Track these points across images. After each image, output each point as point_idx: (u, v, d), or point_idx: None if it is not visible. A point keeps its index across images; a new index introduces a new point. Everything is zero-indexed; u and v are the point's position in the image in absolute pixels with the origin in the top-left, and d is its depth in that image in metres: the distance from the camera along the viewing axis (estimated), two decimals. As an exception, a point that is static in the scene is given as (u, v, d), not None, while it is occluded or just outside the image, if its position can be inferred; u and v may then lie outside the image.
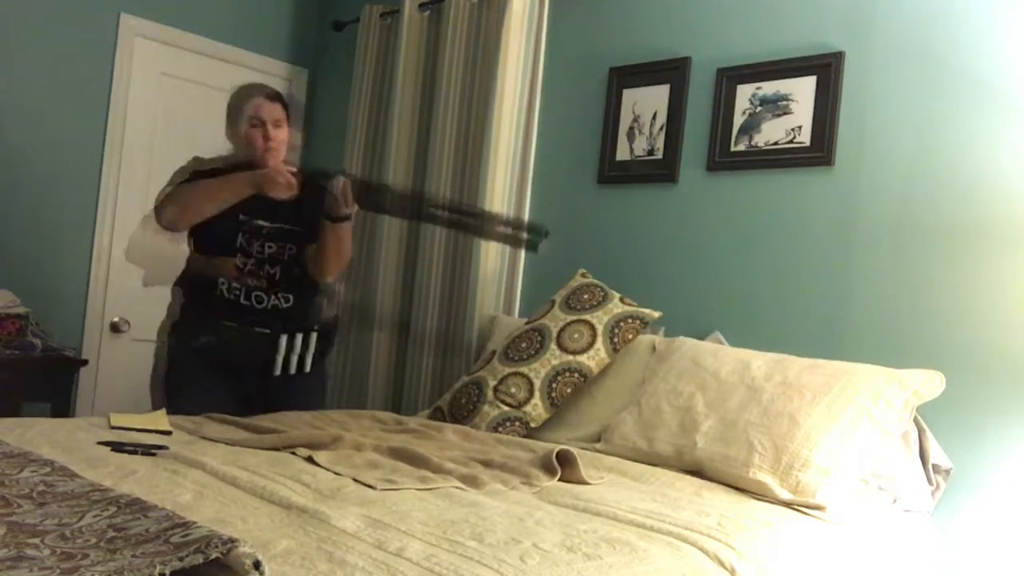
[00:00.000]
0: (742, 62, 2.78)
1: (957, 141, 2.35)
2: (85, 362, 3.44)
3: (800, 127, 2.65)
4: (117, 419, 2.19)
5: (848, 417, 2.04)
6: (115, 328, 3.70)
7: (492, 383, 2.59)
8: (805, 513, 1.90)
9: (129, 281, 3.71)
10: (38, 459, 1.62)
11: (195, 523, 1.22)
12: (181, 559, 1.09)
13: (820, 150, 2.59)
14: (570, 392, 2.56)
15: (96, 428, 2.13)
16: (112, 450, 1.86)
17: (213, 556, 1.10)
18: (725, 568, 1.48)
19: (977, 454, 2.23)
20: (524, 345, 2.65)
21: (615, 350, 2.59)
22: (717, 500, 1.89)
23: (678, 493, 1.92)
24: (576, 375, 2.56)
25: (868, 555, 1.87)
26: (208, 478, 1.67)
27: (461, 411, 2.61)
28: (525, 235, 2.28)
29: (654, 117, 3.00)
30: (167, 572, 1.07)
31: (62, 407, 3.28)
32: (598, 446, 2.36)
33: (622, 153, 3.07)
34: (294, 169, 2.49)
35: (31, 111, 3.43)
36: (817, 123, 2.61)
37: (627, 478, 2.04)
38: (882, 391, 2.08)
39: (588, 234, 3.12)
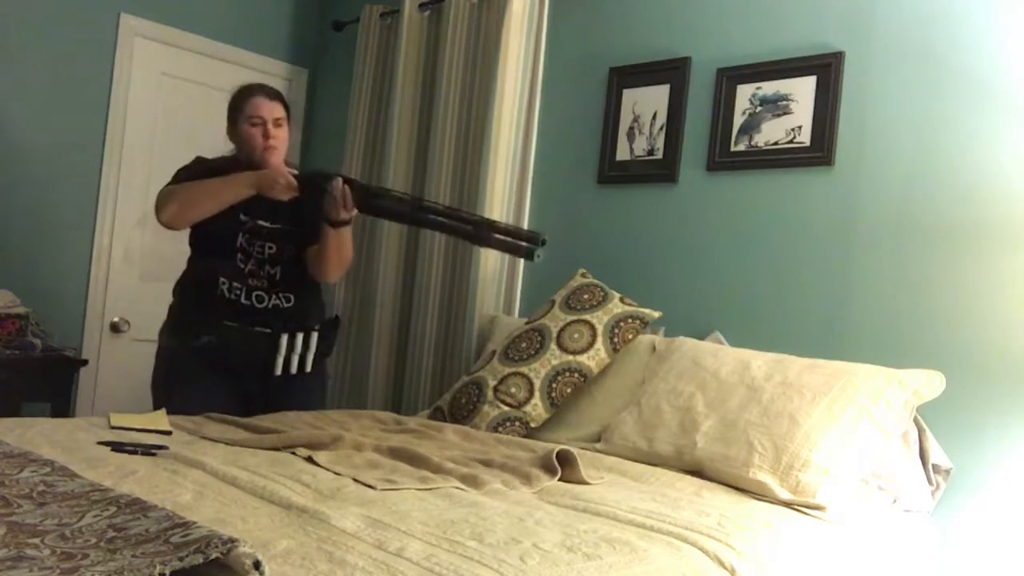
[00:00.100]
0: (742, 62, 2.78)
1: (957, 141, 2.35)
2: (85, 362, 3.44)
3: (800, 127, 2.65)
4: (117, 419, 2.20)
5: (848, 417, 2.04)
6: (115, 328, 3.70)
7: (492, 383, 2.59)
8: (805, 513, 1.90)
9: (129, 281, 3.72)
10: (38, 459, 1.62)
11: (195, 523, 1.22)
12: (181, 559, 1.09)
13: (820, 150, 2.59)
14: (570, 392, 2.56)
15: (96, 428, 2.13)
16: (112, 450, 1.87)
17: (213, 556, 1.10)
18: (725, 568, 1.48)
19: (977, 454, 2.23)
20: (524, 345, 2.65)
21: (615, 350, 2.59)
22: (717, 500, 1.89)
23: (678, 493, 1.92)
24: (576, 375, 2.56)
25: (868, 555, 1.87)
26: (208, 478, 1.67)
27: (461, 411, 2.61)
28: (523, 243, 2.27)
29: (654, 117, 3.00)
30: (167, 572, 1.07)
31: (62, 407, 3.28)
32: (598, 446, 2.36)
33: (622, 153, 3.07)
34: (295, 171, 2.49)
35: (31, 111, 3.43)
36: (817, 123, 2.61)
37: (627, 478, 2.04)
38: (882, 391, 2.08)
39: (588, 234, 3.12)
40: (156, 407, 2.50)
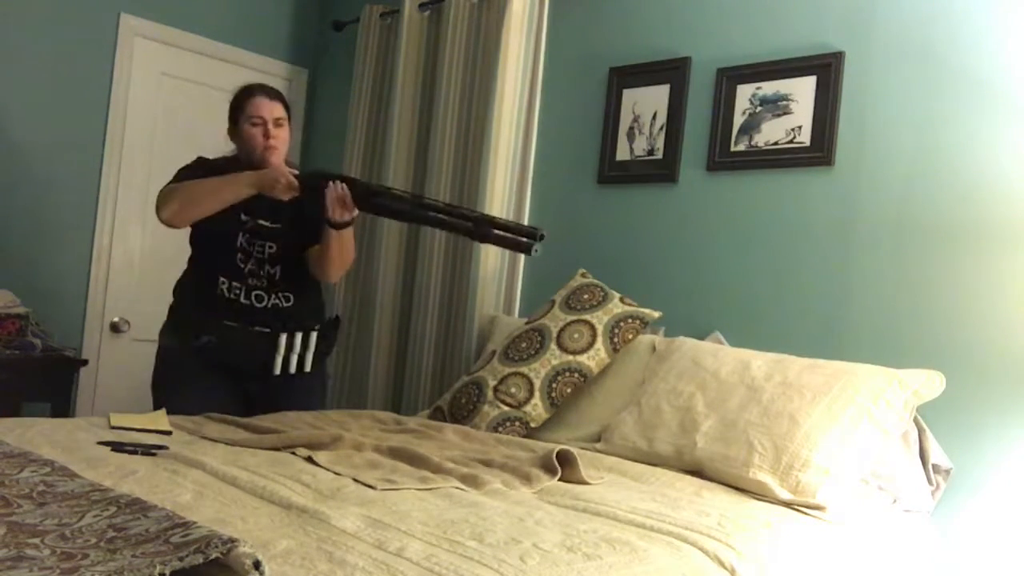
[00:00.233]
0: (742, 62, 2.78)
1: (957, 141, 2.35)
2: (85, 362, 3.44)
3: (800, 127, 2.65)
4: (117, 419, 2.20)
5: (848, 417, 2.04)
6: (115, 328, 3.70)
7: (492, 383, 2.59)
8: (805, 513, 1.90)
9: (129, 281, 3.72)
10: (38, 459, 1.62)
11: (195, 523, 1.22)
12: (181, 559, 1.09)
13: (820, 150, 2.59)
14: (570, 392, 2.56)
15: (96, 428, 2.13)
16: (112, 450, 1.86)
17: (213, 556, 1.10)
18: (725, 568, 1.48)
19: (977, 454, 2.23)
20: (524, 345, 2.65)
21: (615, 350, 2.59)
22: (717, 500, 1.89)
23: (678, 493, 1.92)
24: (576, 375, 2.56)
25: (868, 555, 1.87)
26: (208, 478, 1.67)
27: (461, 411, 2.61)
28: (522, 239, 2.27)
29: (654, 117, 3.00)
30: (167, 572, 1.07)
31: (62, 407, 3.28)
32: (598, 446, 2.36)
33: (622, 153, 3.07)
34: (295, 171, 2.49)
35: (31, 111, 3.43)
36: (817, 123, 2.61)
37: (627, 478, 2.04)
38: (882, 391, 2.08)
39: (588, 234, 3.12)
40: (156, 407, 2.50)
